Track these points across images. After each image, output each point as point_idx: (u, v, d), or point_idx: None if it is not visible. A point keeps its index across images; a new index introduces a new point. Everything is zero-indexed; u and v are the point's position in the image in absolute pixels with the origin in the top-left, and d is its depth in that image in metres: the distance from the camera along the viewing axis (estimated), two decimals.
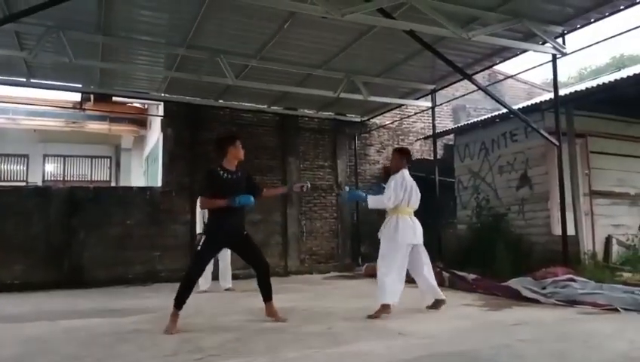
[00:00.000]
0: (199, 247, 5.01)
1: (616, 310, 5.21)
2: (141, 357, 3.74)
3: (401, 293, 5.37)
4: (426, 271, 5.67)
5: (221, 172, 4.99)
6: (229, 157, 5.07)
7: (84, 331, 4.85)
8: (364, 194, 5.81)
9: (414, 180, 5.69)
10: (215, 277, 8.19)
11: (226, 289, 8.20)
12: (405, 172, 5.67)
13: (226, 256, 8.04)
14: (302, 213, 11.73)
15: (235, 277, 8.47)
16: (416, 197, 5.63)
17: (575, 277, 6.29)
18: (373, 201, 5.63)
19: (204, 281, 7.68)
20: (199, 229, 8.21)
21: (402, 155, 5.83)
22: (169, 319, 4.73)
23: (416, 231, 5.57)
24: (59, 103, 13.73)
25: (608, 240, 8.61)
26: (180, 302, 4.77)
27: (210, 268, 7.54)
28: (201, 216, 8.07)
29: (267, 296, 5.11)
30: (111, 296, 7.85)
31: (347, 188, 6.35)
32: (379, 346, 3.89)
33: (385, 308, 5.24)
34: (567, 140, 8.16)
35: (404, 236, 5.43)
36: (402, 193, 5.48)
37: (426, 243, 5.69)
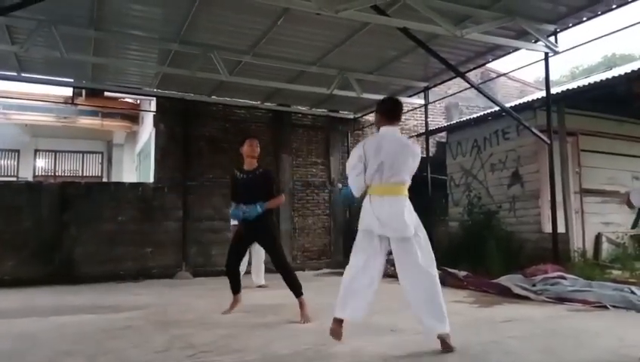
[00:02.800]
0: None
1: (605, 307, 5.26)
2: (132, 353, 3.73)
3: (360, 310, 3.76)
4: (417, 287, 3.62)
5: (237, 173, 5.34)
6: (244, 157, 5.35)
7: (75, 327, 4.83)
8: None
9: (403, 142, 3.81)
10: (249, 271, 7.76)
11: (259, 286, 7.75)
12: (378, 135, 3.86)
13: (260, 251, 7.59)
14: (294, 209, 11.72)
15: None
16: (389, 170, 3.66)
17: (565, 275, 6.34)
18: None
19: (256, 278, 7.82)
20: None
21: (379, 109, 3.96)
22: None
23: (381, 216, 3.64)
24: (50, 98, 13.61)
25: (598, 238, 8.69)
26: (231, 288, 5.43)
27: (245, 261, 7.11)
28: None
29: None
30: (102, 292, 7.81)
31: (340, 186, 6.20)
32: (371, 343, 3.90)
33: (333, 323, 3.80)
34: (559, 138, 8.22)
35: (361, 223, 3.83)
36: (352, 171, 3.79)
37: None
